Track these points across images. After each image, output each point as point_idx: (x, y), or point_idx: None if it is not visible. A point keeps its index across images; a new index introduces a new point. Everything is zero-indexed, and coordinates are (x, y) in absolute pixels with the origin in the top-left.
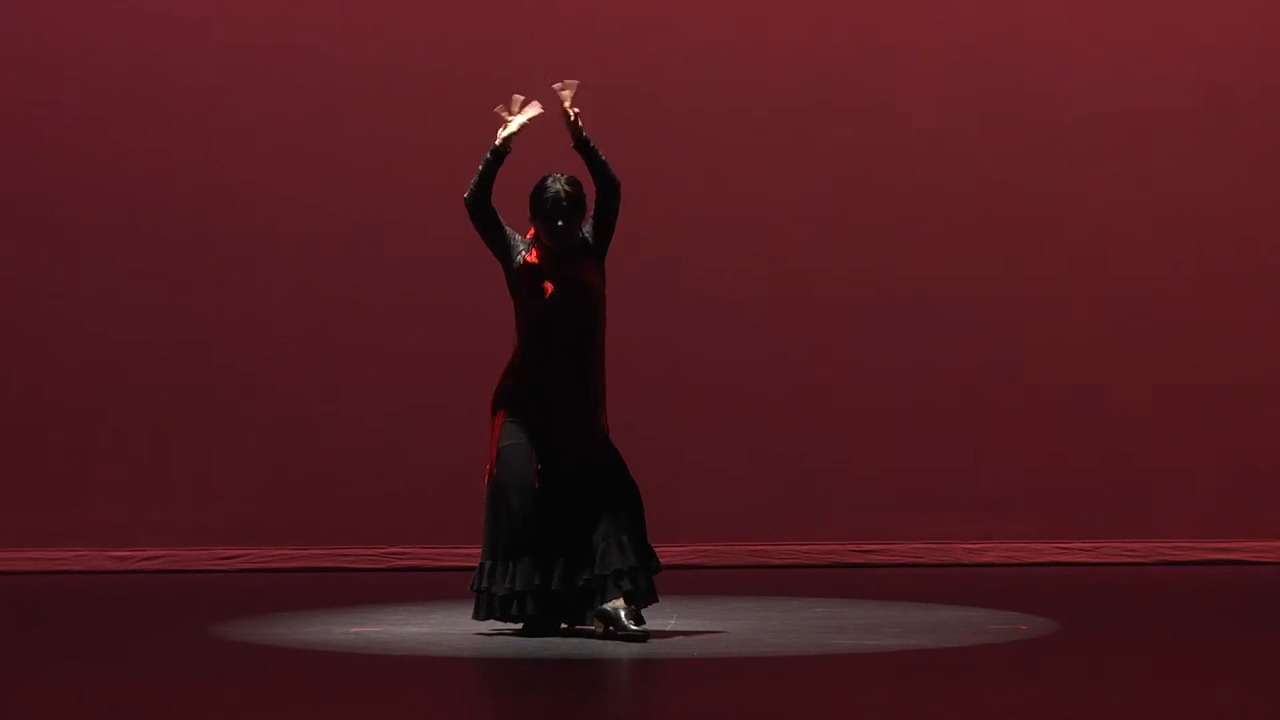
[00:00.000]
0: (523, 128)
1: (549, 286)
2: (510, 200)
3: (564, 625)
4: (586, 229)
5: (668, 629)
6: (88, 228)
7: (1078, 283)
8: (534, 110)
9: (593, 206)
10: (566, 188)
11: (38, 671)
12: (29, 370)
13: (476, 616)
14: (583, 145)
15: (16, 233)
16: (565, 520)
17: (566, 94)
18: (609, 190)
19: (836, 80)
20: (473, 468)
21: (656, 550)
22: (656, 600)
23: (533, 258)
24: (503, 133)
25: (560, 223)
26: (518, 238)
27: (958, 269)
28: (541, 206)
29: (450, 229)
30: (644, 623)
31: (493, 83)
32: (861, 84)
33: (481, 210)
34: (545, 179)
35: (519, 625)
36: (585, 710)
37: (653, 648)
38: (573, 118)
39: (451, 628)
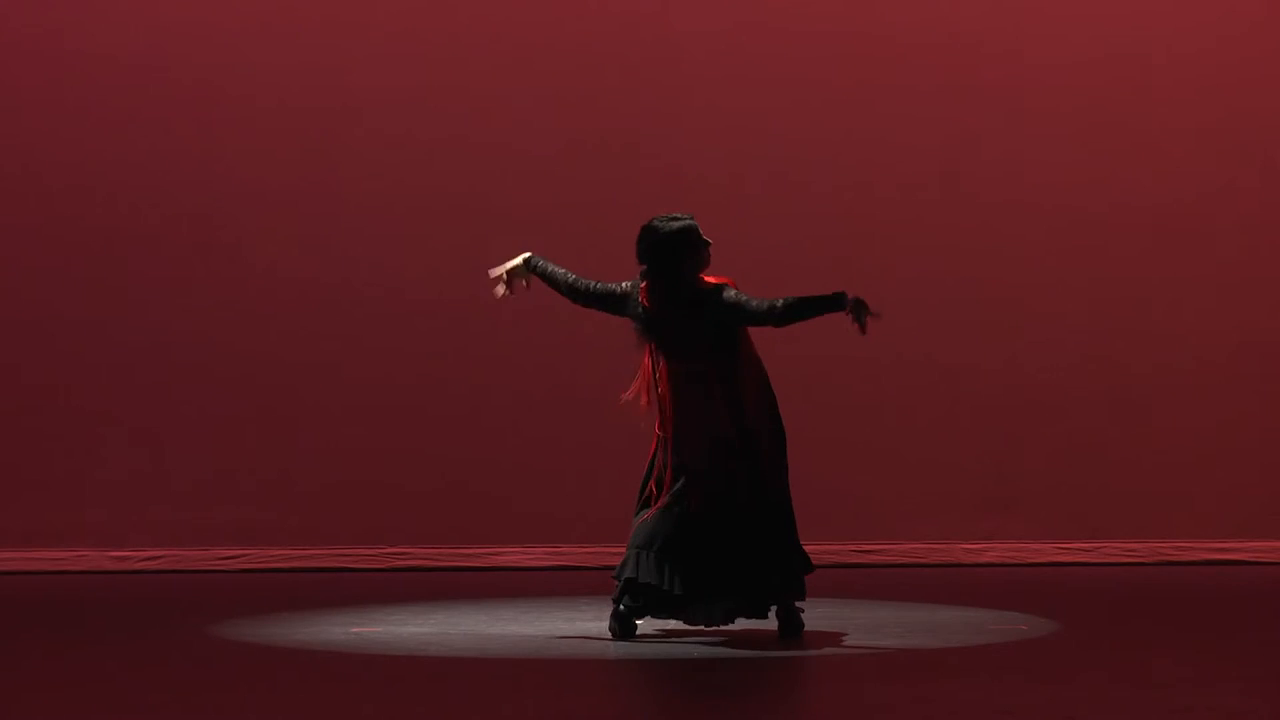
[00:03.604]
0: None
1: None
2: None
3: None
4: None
5: (668, 628)
6: (89, 229)
7: (1078, 282)
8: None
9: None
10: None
11: (37, 671)
12: (29, 370)
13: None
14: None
15: (18, 233)
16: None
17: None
18: (764, 323)
19: (841, 76)
20: (473, 468)
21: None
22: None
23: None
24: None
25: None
26: (633, 293)
27: (958, 268)
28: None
29: (453, 230)
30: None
31: (491, 82)
32: (865, 83)
33: (587, 302)
34: (648, 237)
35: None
36: (584, 710)
37: (652, 648)
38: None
39: (452, 628)
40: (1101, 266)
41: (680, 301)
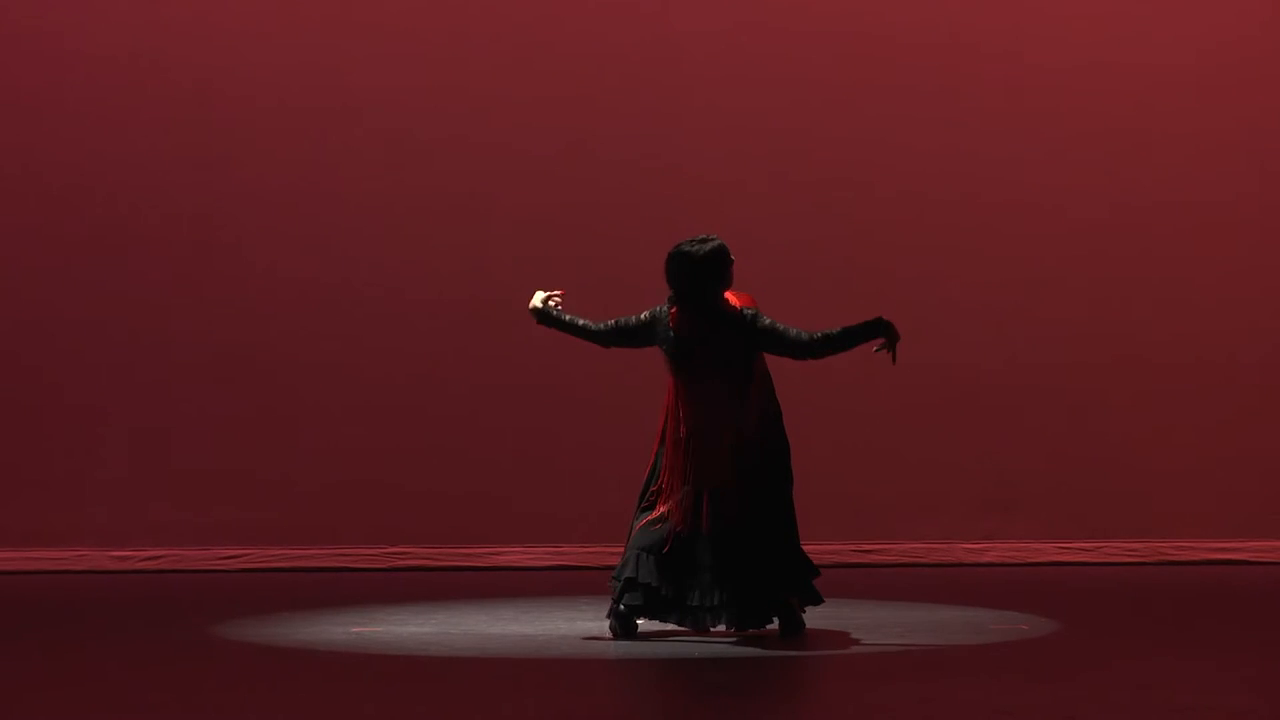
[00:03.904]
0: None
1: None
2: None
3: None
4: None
5: (668, 628)
6: (89, 229)
7: (1078, 283)
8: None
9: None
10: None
11: (37, 671)
12: (30, 370)
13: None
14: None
15: (18, 233)
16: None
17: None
18: (801, 355)
19: (835, 75)
20: (474, 468)
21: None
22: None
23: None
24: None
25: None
26: (658, 319)
27: (958, 268)
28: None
29: (453, 230)
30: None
31: (490, 82)
32: (857, 83)
33: (612, 341)
34: (680, 262)
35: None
36: (585, 710)
37: (652, 648)
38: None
39: (453, 627)
40: (1102, 267)
41: (711, 322)
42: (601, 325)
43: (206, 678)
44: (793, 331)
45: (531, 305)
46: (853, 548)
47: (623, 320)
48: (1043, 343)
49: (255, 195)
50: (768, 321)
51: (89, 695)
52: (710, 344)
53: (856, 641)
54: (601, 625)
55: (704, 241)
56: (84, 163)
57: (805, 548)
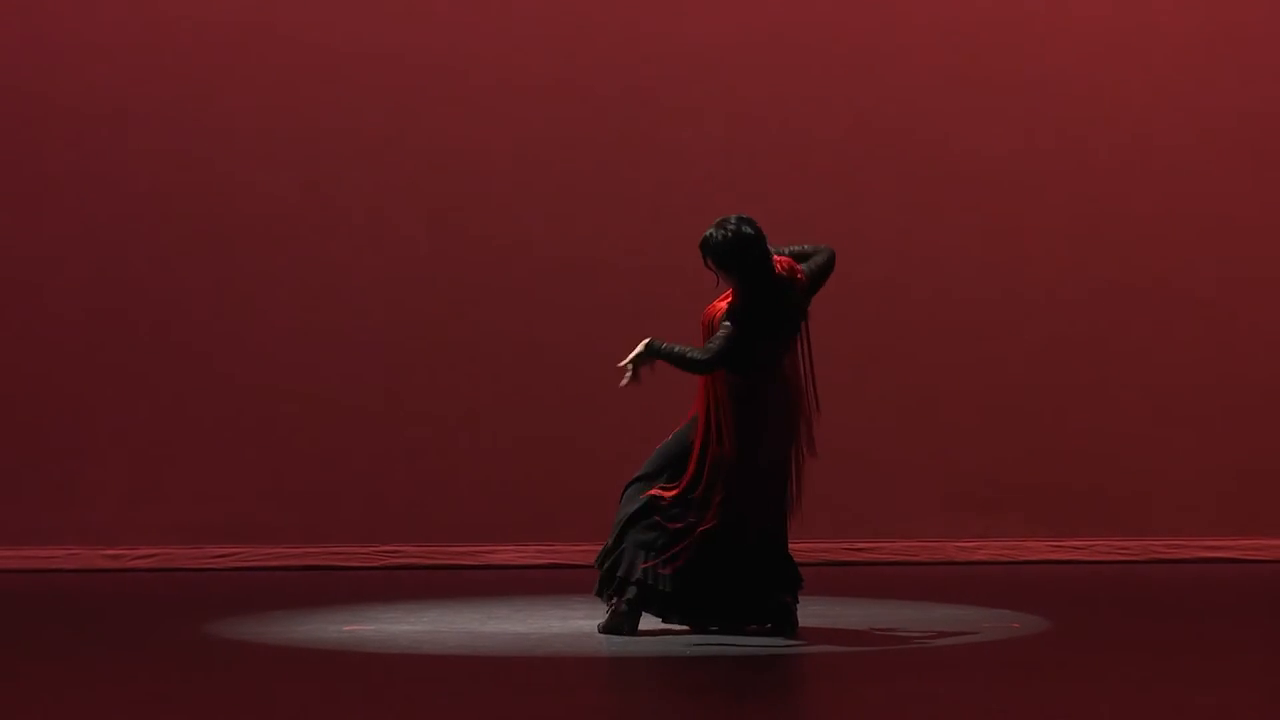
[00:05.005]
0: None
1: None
2: None
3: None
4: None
5: (665, 627)
6: (85, 227)
7: (1072, 281)
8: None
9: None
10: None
11: (31, 670)
12: (24, 368)
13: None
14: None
15: (14, 230)
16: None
17: None
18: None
19: (833, 73)
20: (466, 465)
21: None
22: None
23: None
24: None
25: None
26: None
27: (954, 267)
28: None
29: (448, 228)
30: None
31: (489, 78)
32: (859, 80)
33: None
34: (740, 241)
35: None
36: (580, 708)
37: (649, 646)
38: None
39: (445, 626)
40: (1098, 265)
41: (785, 292)
42: (709, 354)
43: (198, 677)
44: (810, 248)
45: (639, 350)
46: (844, 546)
47: (723, 342)
48: (1035, 341)
49: (248, 195)
50: (804, 263)
51: (81, 694)
52: (789, 317)
53: (849, 641)
54: (596, 623)
55: (728, 220)
56: (79, 160)
57: (799, 546)
